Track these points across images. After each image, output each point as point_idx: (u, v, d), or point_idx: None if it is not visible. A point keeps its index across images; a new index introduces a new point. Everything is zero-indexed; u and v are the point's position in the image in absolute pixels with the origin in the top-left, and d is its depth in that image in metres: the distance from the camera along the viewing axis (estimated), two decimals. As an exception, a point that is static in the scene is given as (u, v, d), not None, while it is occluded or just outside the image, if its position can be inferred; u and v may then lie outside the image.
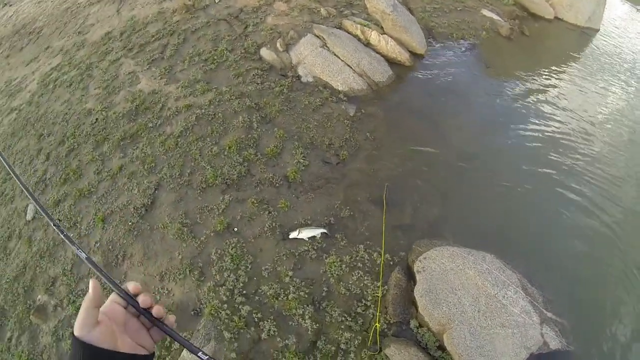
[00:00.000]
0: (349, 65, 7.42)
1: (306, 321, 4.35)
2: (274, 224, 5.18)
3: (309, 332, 4.30)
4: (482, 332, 3.79)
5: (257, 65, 7.32)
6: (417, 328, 4.17)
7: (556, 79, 8.50)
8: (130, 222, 5.58)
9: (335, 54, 7.54)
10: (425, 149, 6.29)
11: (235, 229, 5.21)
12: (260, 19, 8.35)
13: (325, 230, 5.09)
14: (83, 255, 1.04)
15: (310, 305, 4.47)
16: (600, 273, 5.01)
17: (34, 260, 5.99)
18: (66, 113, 7.87)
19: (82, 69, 8.85)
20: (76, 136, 7.19)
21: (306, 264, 4.87)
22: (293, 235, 5.02)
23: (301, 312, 4.42)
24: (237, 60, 7.45)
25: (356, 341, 4.20)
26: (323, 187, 5.65)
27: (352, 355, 4.13)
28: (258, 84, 6.94)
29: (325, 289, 4.65)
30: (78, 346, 0.89)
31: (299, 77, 7.19)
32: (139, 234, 5.48)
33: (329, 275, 4.73)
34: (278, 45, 7.57)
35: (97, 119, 7.26)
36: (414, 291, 4.36)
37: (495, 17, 9.74)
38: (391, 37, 7.93)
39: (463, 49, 8.74)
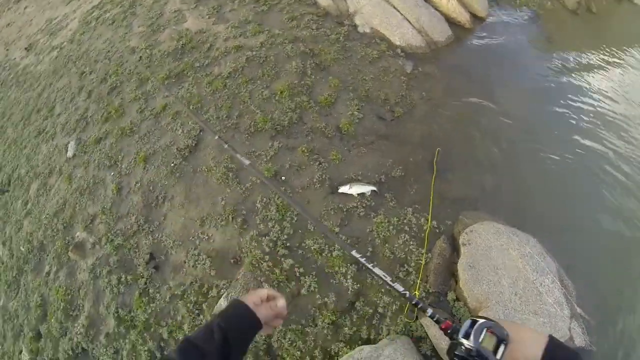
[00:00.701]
0: (408, 20, 6.87)
1: (348, 281, 4.12)
2: (323, 176, 4.85)
3: (349, 292, 4.08)
4: (515, 315, 3.61)
5: (312, 10, 6.83)
6: (454, 301, 3.92)
7: (619, 61, 7.69)
8: (173, 163, 5.34)
9: (394, 7, 6.98)
10: (477, 115, 5.86)
11: (283, 178, 4.90)
12: (316, -39, 7.72)
13: (375, 188, 4.75)
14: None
15: (353, 265, 4.21)
16: (636, 274, 4.54)
17: (74, 198, 5.90)
18: (109, 51, 7.63)
19: (125, 7, 8.55)
20: (119, 74, 6.95)
21: (353, 221, 4.56)
22: (343, 189, 4.70)
23: (344, 271, 4.18)
24: (290, 3, 6.96)
25: (394, 306, 3.96)
26: (375, 143, 5.26)
27: (387, 319, 3.92)
28: (313, 29, 6.46)
29: (370, 249, 4.37)
30: (244, 308, 1.35)
31: (355, 26, 6.69)
32: (181, 176, 5.24)
33: (375, 235, 4.44)
34: (335, -10, 7.06)
35: (140, 57, 6.97)
36: (458, 264, 4.08)
37: (564, -15, 8.87)
38: (454, -6, 7.32)
39: (525, 17, 8.01)
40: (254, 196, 4.81)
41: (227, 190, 4.91)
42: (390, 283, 1.52)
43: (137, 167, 5.54)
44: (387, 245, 4.36)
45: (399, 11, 6.96)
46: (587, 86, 6.81)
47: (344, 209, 4.61)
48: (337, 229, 4.45)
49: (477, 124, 5.73)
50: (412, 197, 4.80)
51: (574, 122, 6.06)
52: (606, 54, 7.72)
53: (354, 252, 1.40)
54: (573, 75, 6.95)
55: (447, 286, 4.09)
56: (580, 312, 3.93)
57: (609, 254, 4.62)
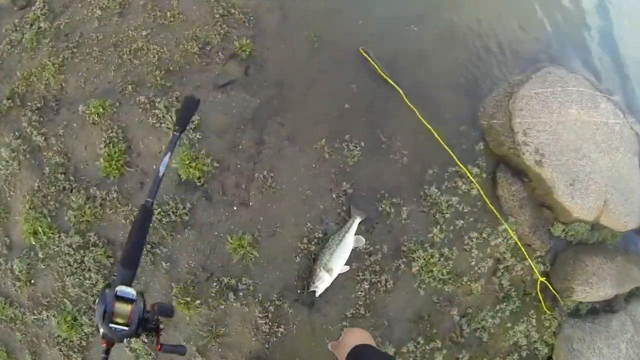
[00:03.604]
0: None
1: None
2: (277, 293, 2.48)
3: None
4: (615, 175, 3.06)
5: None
6: (564, 231, 2.90)
7: None
8: None
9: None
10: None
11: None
12: None
13: (358, 217, 2.41)
14: None
15: (455, 346, 2.56)
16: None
17: None
18: None
19: None
20: None
21: (395, 304, 2.49)
22: (319, 286, 2.37)
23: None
24: None
25: (533, 321, 2.69)
26: (268, 141, 2.65)
27: (539, 343, 2.72)
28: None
29: (460, 299, 2.59)
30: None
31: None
32: None
33: (438, 282, 2.51)
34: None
35: None
36: (556, 195, 2.81)
37: None
38: None
39: None
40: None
41: None
42: None
43: None
44: (463, 279, 2.57)
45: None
46: None
47: (366, 301, 2.46)
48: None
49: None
50: (411, 166, 2.64)
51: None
52: None
53: None
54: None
55: (548, 224, 2.88)
56: (619, 99, 3.40)
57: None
